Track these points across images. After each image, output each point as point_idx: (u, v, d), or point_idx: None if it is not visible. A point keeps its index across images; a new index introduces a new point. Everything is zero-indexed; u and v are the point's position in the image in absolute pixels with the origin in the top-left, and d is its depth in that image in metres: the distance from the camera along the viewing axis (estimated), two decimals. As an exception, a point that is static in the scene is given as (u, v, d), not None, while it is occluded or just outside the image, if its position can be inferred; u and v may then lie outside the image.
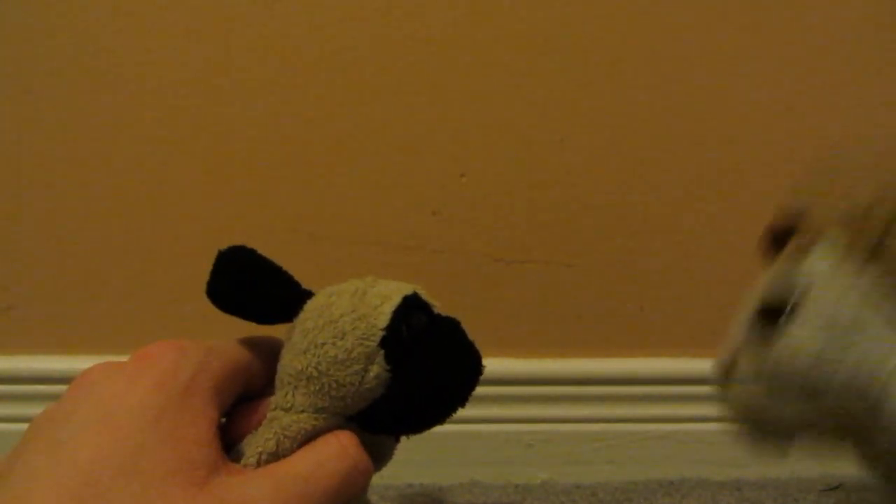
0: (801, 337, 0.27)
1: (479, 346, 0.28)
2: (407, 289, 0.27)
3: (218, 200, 0.58)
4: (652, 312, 0.62)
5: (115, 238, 0.59)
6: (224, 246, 0.27)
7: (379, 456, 0.27)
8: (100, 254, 0.59)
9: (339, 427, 0.25)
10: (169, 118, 0.58)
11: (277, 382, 0.26)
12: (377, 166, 0.59)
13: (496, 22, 0.58)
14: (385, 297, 0.26)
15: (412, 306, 0.26)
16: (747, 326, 0.30)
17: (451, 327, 0.27)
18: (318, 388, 0.24)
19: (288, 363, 0.25)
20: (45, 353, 0.60)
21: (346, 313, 0.25)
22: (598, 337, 0.62)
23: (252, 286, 0.26)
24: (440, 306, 0.28)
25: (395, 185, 0.59)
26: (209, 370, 0.24)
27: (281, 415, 0.25)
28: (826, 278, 0.28)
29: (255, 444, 0.24)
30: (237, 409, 0.26)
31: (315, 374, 0.24)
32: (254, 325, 0.27)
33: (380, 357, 0.24)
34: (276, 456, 0.24)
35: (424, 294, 0.27)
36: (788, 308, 0.27)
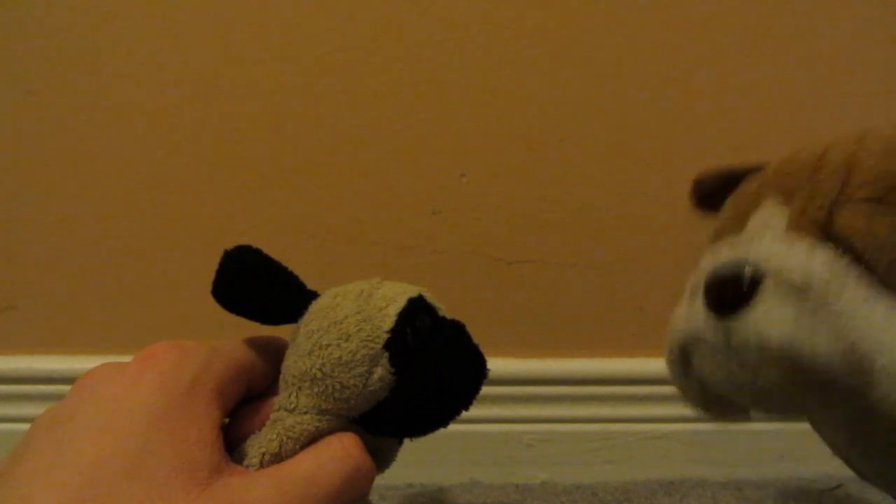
0: (770, 311, 0.25)
1: (479, 345, 0.28)
2: (412, 291, 0.27)
3: (218, 200, 0.58)
4: (652, 312, 0.62)
5: (115, 238, 0.59)
6: (224, 246, 0.26)
7: (382, 457, 0.27)
8: (100, 253, 0.59)
9: (343, 429, 0.25)
10: (169, 118, 0.58)
11: (281, 383, 0.26)
12: (377, 166, 0.59)
13: (496, 22, 0.58)
14: (390, 299, 0.26)
15: (417, 309, 0.26)
16: (700, 302, 0.28)
17: (456, 330, 0.27)
18: (321, 389, 0.24)
19: (292, 364, 0.25)
20: (45, 353, 0.60)
21: (351, 315, 0.25)
22: (598, 337, 0.62)
23: (258, 286, 0.26)
24: (445, 309, 0.28)
25: (395, 185, 0.59)
26: (212, 371, 0.24)
27: (284, 415, 0.25)
28: (782, 249, 0.27)
29: (259, 444, 0.24)
30: (241, 409, 0.26)
31: (319, 375, 0.24)
32: (258, 325, 0.27)
33: (384, 359, 0.24)
34: (279, 457, 0.24)
35: (430, 296, 0.27)
36: (746, 281, 0.26)
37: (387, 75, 0.58)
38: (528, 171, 0.60)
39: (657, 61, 0.59)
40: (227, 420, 0.25)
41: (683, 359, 0.30)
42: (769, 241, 0.28)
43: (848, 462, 0.34)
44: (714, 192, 0.38)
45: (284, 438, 0.24)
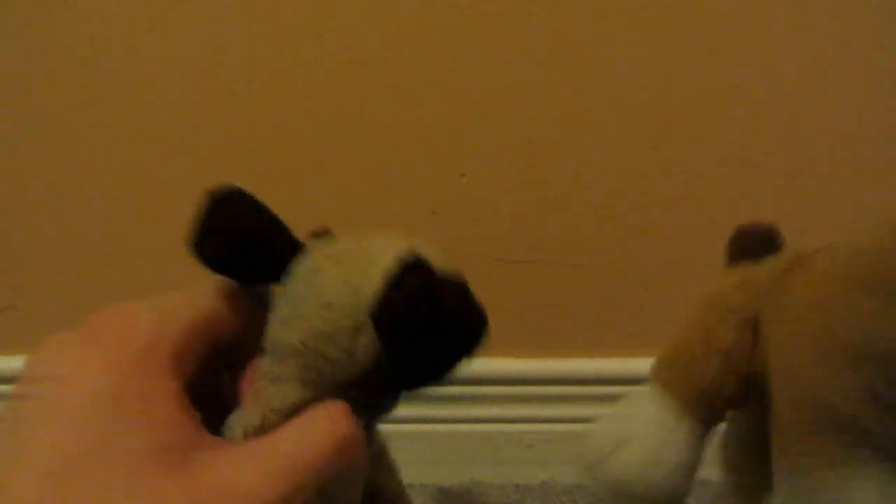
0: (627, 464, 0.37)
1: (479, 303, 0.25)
2: (402, 246, 0.23)
3: (218, 200, 0.58)
4: (652, 312, 0.62)
5: (115, 238, 0.59)
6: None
7: (380, 411, 0.26)
8: (100, 254, 0.60)
9: (331, 395, 0.23)
10: (169, 118, 0.58)
11: (265, 344, 0.24)
12: (377, 166, 0.59)
13: (496, 22, 0.58)
14: (376, 259, 0.23)
15: (407, 268, 0.22)
16: None
17: (452, 287, 0.24)
18: (304, 361, 0.22)
19: (274, 331, 0.23)
20: (45, 353, 0.60)
21: (333, 280, 0.22)
22: (598, 337, 0.62)
23: (248, 239, 0.23)
24: (444, 259, 0.24)
25: (394, 185, 0.59)
26: (164, 338, 0.21)
27: (266, 386, 0.23)
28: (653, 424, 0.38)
29: (241, 417, 0.23)
30: (240, 370, 0.24)
31: (300, 347, 0.22)
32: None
33: (369, 328, 0.22)
34: (262, 430, 0.22)
35: (425, 248, 0.24)
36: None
37: (387, 75, 0.58)
38: (528, 171, 0.60)
39: (658, 61, 0.59)
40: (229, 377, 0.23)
41: None
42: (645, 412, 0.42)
43: None
44: (748, 247, 0.42)
45: (267, 411, 0.22)
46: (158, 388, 0.20)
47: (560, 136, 0.59)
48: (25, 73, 0.57)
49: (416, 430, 0.61)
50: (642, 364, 0.63)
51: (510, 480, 0.61)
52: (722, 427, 0.42)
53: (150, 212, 0.59)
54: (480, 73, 0.58)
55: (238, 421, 0.23)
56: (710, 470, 0.62)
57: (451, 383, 0.24)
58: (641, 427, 0.38)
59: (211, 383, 0.26)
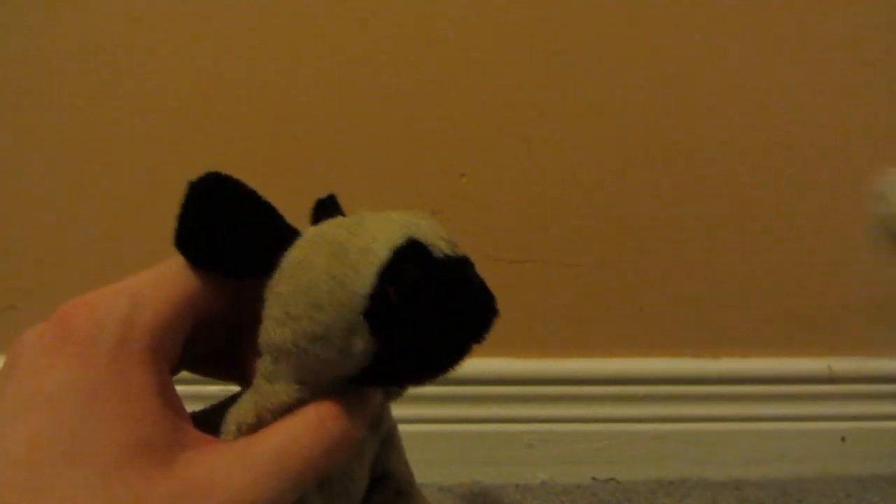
0: None
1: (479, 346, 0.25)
2: (399, 234, 0.21)
3: (218, 200, 0.58)
4: (652, 312, 0.62)
5: (115, 238, 0.59)
6: None
7: (388, 393, 0.25)
8: (100, 254, 0.59)
9: (327, 391, 0.22)
10: (169, 118, 0.58)
11: (260, 341, 0.22)
12: (377, 166, 0.59)
13: (496, 22, 0.58)
14: (369, 248, 0.21)
15: (403, 259, 0.21)
16: None
17: (454, 274, 0.21)
18: (298, 362, 0.21)
19: (265, 331, 0.22)
20: (45, 353, 0.60)
21: (322, 277, 0.20)
22: (598, 337, 0.62)
23: (238, 231, 0.21)
24: (447, 238, 0.22)
25: (395, 185, 0.59)
26: (139, 326, 0.20)
27: (262, 384, 0.22)
28: None
29: (236, 413, 0.22)
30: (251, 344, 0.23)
31: (293, 349, 0.21)
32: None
33: (363, 328, 0.20)
34: (256, 428, 0.22)
35: (426, 229, 0.22)
36: None
37: (387, 75, 0.58)
38: (528, 171, 0.60)
39: (658, 61, 0.59)
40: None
41: None
42: None
43: None
44: None
45: (261, 409, 0.22)
46: (135, 383, 0.19)
47: (560, 136, 0.59)
48: (25, 73, 0.57)
49: (416, 430, 0.60)
50: (642, 364, 0.64)
51: (510, 480, 0.61)
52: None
53: (150, 212, 0.59)
54: (480, 73, 0.58)
55: (234, 416, 0.22)
56: (711, 470, 0.62)
57: (455, 377, 0.23)
58: None
59: (229, 356, 0.25)
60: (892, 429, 0.63)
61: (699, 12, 0.59)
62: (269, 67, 0.58)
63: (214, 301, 0.22)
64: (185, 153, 0.58)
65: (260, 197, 0.22)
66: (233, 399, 0.23)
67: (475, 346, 0.22)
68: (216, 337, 0.25)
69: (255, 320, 0.22)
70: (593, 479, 0.62)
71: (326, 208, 0.30)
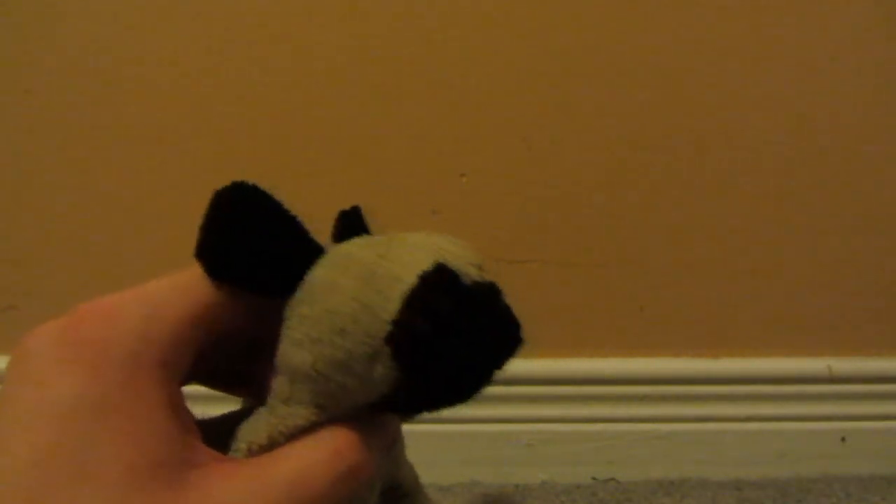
0: None
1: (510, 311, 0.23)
2: (427, 259, 0.21)
3: (218, 200, 0.58)
4: (652, 312, 0.62)
5: (115, 238, 0.59)
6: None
7: (402, 417, 0.25)
8: (100, 254, 0.59)
9: (343, 417, 0.21)
10: (169, 118, 0.58)
11: (277, 362, 0.22)
12: (377, 166, 0.59)
13: (497, 22, 0.58)
14: (396, 277, 0.20)
15: (432, 287, 0.20)
16: None
17: (481, 305, 0.21)
18: (317, 387, 0.21)
19: (286, 351, 0.21)
20: (45, 353, 0.60)
21: (347, 302, 0.20)
22: (598, 337, 0.62)
23: (263, 245, 0.21)
24: (479, 264, 0.22)
25: (395, 185, 0.59)
26: (152, 339, 0.20)
27: (277, 405, 0.21)
28: None
29: (249, 431, 0.22)
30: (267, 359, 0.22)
31: (312, 373, 0.20)
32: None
33: (386, 355, 0.20)
34: (268, 449, 0.21)
35: (458, 255, 0.21)
36: None
37: (387, 75, 0.58)
38: (528, 171, 0.60)
39: (658, 61, 0.59)
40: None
41: None
42: None
43: None
44: None
45: (275, 432, 0.21)
46: (145, 399, 0.19)
47: (560, 136, 0.59)
48: (25, 73, 0.57)
49: (416, 430, 0.60)
50: (642, 364, 0.63)
51: (510, 480, 0.61)
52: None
53: (150, 211, 0.59)
54: (480, 73, 0.58)
55: (245, 434, 0.21)
56: (711, 470, 0.62)
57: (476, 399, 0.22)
58: None
59: (244, 371, 0.25)
60: (892, 429, 0.63)
61: (699, 12, 0.59)
62: (268, 67, 0.58)
63: (232, 317, 0.22)
64: (185, 153, 0.58)
65: (287, 211, 0.22)
66: (242, 413, 0.23)
67: (498, 372, 0.22)
68: (232, 352, 0.24)
69: (274, 337, 0.22)
70: (593, 479, 0.62)
71: (351, 221, 0.30)
